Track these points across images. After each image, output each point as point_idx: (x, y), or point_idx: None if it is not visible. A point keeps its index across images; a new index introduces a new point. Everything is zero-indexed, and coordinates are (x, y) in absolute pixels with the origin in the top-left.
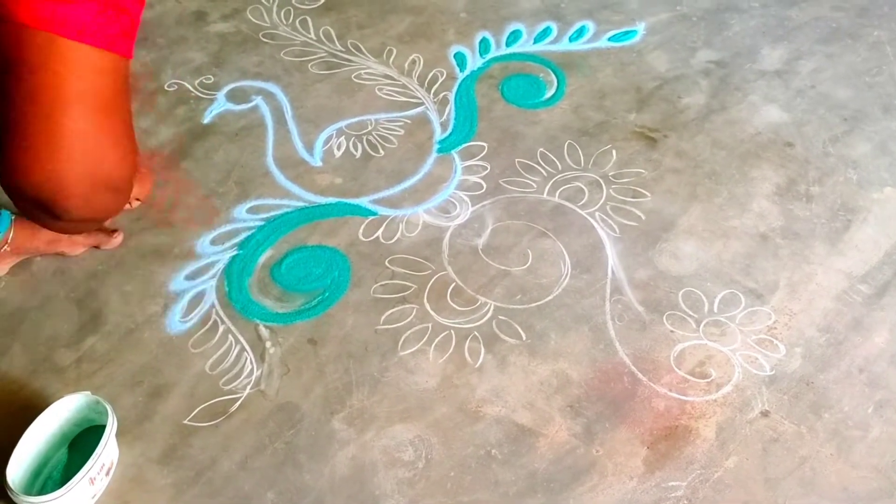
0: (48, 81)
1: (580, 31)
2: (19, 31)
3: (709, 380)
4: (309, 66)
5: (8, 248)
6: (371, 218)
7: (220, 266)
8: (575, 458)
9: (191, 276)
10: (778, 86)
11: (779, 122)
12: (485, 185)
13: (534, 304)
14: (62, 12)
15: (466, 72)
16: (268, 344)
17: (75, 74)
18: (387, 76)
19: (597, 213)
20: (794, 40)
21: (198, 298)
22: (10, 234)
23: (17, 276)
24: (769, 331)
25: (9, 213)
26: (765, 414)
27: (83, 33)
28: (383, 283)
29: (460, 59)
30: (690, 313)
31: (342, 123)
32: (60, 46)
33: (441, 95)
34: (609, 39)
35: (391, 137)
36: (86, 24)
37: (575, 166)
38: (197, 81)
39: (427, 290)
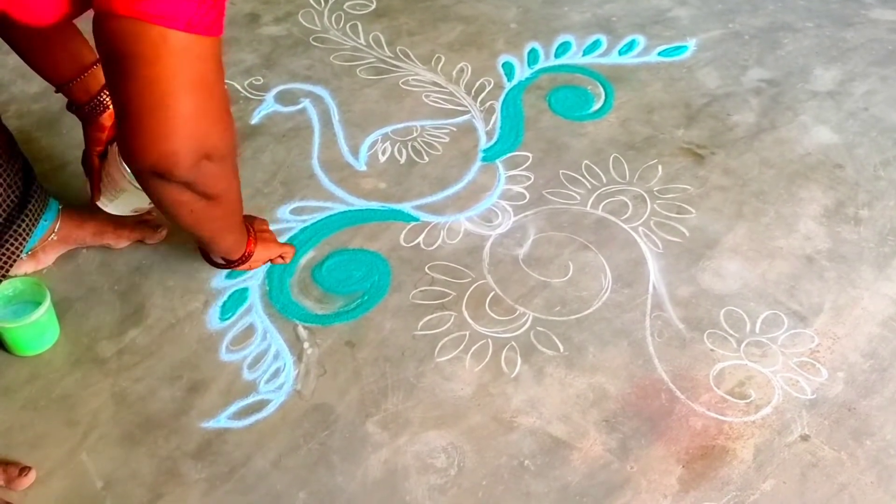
0: (162, 73)
1: (630, 45)
2: (132, 25)
3: (748, 401)
4: (358, 70)
5: (55, 238)
6: (413, 224)
7: (263, 265)
8: (609, 473)
9: (233, 274)
10: (830, 107)
11: (829, 144)
12: (528, 196)
13: (573, 317)
14: (172, 7)
15: (514, 81)
16: (306, 345)
17: (186, 64)
18: (434, 83)
19: (640, 228)
20: (849, 61)
21: (239, 296)
22: (58, 225)
23: (62, 267)
24: (812, 354)
25: (57, 203)
26: (804, 438)
27: (191, 25)
28: (423, 288)
29: (508, 69)
30: (732, 333)
31: (388, 129)
32: (173, 39)
33: (488, 104)
34: (659, 54)
35: (436, 144)
36: (192, 16)
37: (620, 180)
38: (247, 82)
39: (466, 298)
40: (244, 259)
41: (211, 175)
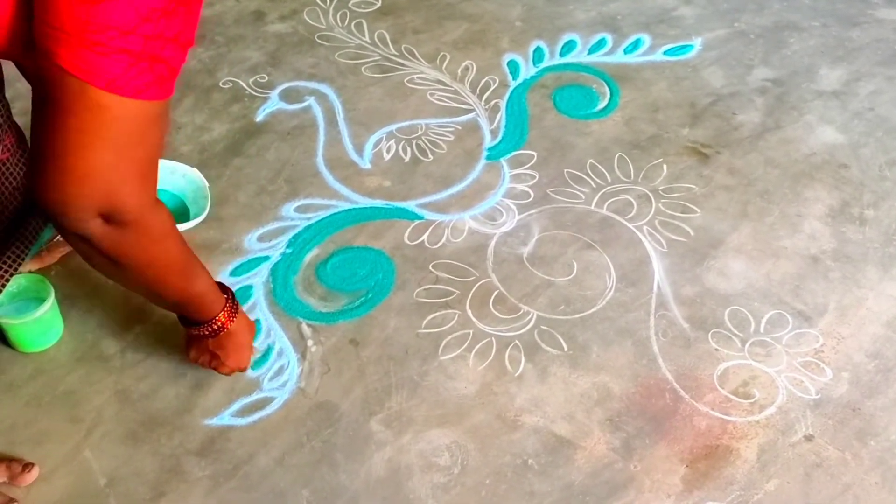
0: (77, 125)
1: (635, 44)
2: (59, 71)
3: (752, 400)
4: (362, 68)
5: (60, 238)
6: (417, 222)
7: (267, 263)
8: (612, 472)
9: (237, 272)
10: (835, 107)
11: (834, 144)
12: (532, 194)
13: (577, 316)
14: (97, 63)
15: (519, 80)
16: (310, 342)
17: (102, 120)
18: (439, 81)
19: (645, 227)
20: (854, 61)
21: (243, 294)
22: None
23: (67, 264)
24: (816, 354)
25: None
26: (808, 438)
27: (113, 84)
28: (427, 287)
29: (513, 67)
30: (736, 332)
31: (393, 127)
32: (91, 95)
33: (492, 103)
34: (664, 53)
35: (441, 142)
36: (116, 76)
37: (625, 179)
38: (252, 80)
39: (470, 297)
40: (210, 328)
41: (108, 238)
